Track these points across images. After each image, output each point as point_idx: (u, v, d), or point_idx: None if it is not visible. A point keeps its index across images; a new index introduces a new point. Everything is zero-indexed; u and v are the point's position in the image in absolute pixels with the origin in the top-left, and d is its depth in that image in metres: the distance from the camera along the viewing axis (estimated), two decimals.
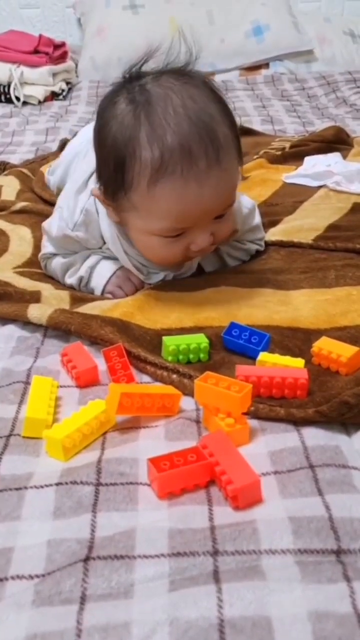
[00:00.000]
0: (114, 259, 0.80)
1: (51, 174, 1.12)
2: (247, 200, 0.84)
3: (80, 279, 0.81)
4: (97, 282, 0.80)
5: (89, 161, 0.81)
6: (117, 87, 0.70)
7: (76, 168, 0.88)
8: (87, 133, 1.01)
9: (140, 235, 0.72)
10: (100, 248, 0.81)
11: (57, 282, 0.84)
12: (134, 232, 0.73)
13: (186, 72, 0.69)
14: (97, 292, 0.80)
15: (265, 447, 0.51)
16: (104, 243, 0.80)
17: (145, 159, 0.65)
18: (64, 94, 1.97)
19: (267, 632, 0.36)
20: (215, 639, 0.36)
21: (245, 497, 0.45)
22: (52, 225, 0.81)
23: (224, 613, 0.37)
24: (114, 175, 0.68)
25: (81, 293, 0.81)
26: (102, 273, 0.80)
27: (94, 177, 0.78)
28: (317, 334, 0.67)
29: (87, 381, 0.61)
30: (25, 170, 1.24)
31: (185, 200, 0.66)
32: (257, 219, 0.86)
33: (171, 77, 0.68)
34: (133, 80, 0.69)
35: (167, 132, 0.65)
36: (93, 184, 0.78)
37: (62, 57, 2.01)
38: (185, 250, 0.72)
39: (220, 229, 0.72)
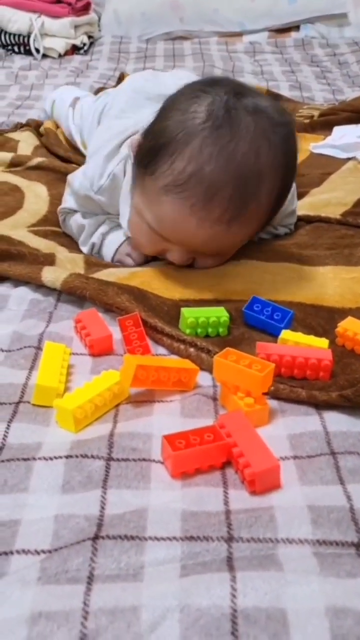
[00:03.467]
0: None
1: (74, 106, 1.08)
2: None
3: (93, 245, 0.79)
4: (108, 250, 0.78)
5: (124, 124, 0.77)
6: (216, 81, 0.66)
7: (110, 126, 0.84)
8: (132, 82, 0.96)
9: (135, 211, 0.71)
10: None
11: (71, 245, 0.82)
12: (134, 204, 0.71)
13: (282, 124, 0.64)
14: (107, 259, 0.78)
15: (285, 430, 0.49)
16: None
17: (175, 168, 0.63)
18: (86, 48, 1.90)
19: (281, 626, 0.35)
20: (227, 629, 0.34)
21: (263, 482, 0.43)
22: (76, 179, 0.79)
23: (237, 603, 0.36)
24: (147, 152, 0.66)
25: (96, 259, 0.78)
26: (113, 241, 0.78)
27: (127, 141, 0.74)
28: (341, 313, 0.65)
29: (100, 350, 0.59)
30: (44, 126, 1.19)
31: (179, 227, 0.65)
32: (295, 205, 0.82)
33: (265, 120, 0.62)
34: (231, 93, 0.63)
35: (211, 164, 0.61)
36: (126, 149, 0.74)
37: (85, 9, 1.94)
38: (162, 252, 0.71)
39: (205, 260, 0.71)
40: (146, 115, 0.71)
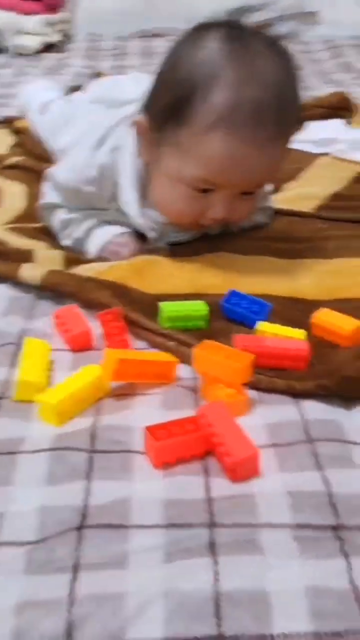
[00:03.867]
0: (115, 224, 0.78)
1: (42, 112, 1.08)
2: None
3: (76, 240, 0.78)
4: (94, 244, 0.77)
5: (101, 118, 0.77)
6: (209, 23, 0.68)
7: (85, 121, 0.84)
8: (91, 91, 0.97)
9: (166, 180, 0.70)
10: (106, 210, 0.78)
11: (50, 240, 0.81)
12: (161, 175, 0.71)
13: (276, 41, 0.67)
14: (92, 251, 0.77)
15: (264, 419, 0.50)
16: (114, 202, 0.76)
17: (217, 102, 0.63)
18: (60, 45, 1.89)
19: (263, 607, 0.36)
20: (211, 612, 0.35)
21: (244, 470, 0.44)
22: (60, 172, 0.78)
23: (221, 586, 0.37)
24: (174, 103, 0.66)
25: (75, 255, 0.78)
26: (100, 236, 0.77)
27: (114, 133, 0.74)
28: (317, 305, 0.66)
29: (80, 345, 0.59)
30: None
31: (232, 158, 0.65)
32: (269, 186, 0.84)
33: (264, 38, 0.66)
34: (227, 25, 0.66)
35: (249, 88, 0.63)
36: (114, 140, 0.75)
37: (59, 6, 1.93)
38: (200, 214, 0.70)
39: (241, 206, 0.71)
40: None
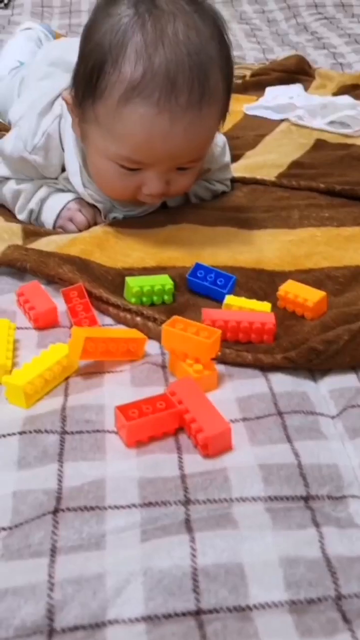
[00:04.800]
0: (67, 192, 0.76)
1: None
2: (219, 137, 0.80)
3: (31, 212, 0.76)
4: (48, 216, 0.76)
5: (54, 83, 0.74)
6: None
7: (37, 87, 0.81)
8: (48, 53, 0.93)
9: (97, 157, 0.68)
10: (56, 179, 0.76)
11: (7, 213, 0.79)
12: (92, 152, 0.68)
13: (201, 3, 0.63)
14: (48, 226, 0.76)
15: (233, 393, 0.51)
16: (62, 172, 0.74)
17: (125, 71, 0.60)
18: (5, 2, 1.80)
19: (240, 579, 0.37)
20: (190, 587, 0.36)
21: (216, 445, 0.45)
22: (7, 143, 0.75)
23: (197, 562, 0.37)
24: (89, 77, 0.63)
25: (34, 227, 0.76)
26: (53, 206, 0.76)
27: (59, 100, 0.72)
28: (281, 276, 0.66)
29: (46, 323, 0.58)
30: None
31: (151, 132, 0.62)
32: (228, 157, 0.82)
33: (185, 2, 0.62)
34: None
35: (160, 52, 0.59)
36: (58, 107, 0.72)
37: None
38: (135, 190, 0.68)
39: (179, 181, 0.68)
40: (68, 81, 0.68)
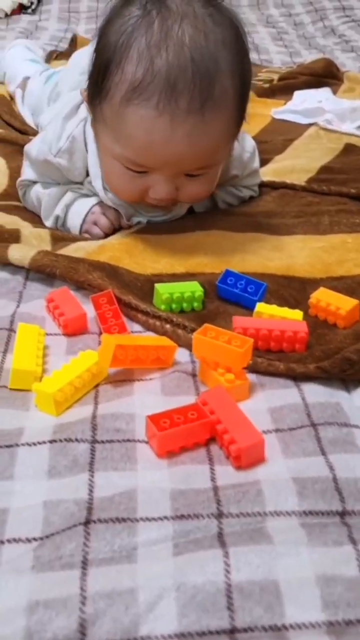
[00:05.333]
0: (92, 196, 0.76)
1: (23, 88, 1.04)
2: (249, 143, 0.79)
3: (57, 218, 0.76)
4: (74, 221, 0.76)
5: (77, 93, 0.74)
6: None
7: (62, 99, 0.82)
8: (80, 61, 0.94)
9: (106, 156, 0.68)
10: (82, 183, 0.76)
11: (36, 219, 0.79)
12: (102, 151, 0.68)
13: (218, 5, 0.62)
14: (74, 231, 0.76)
15: (266, 403, 0.50)
16: (87, 177, 0.74)
17: (127, 72, 0.60)
18: (33, 7, 1.82)
19: (275, 597, 0.36)
20: (224, 604, 0.35)
21: (249, 457, 0.44)
22: (33, 146, 0.75)
23: (231, 578, 0.36)
24: (96, 77, 0.63)
25: (62, 232, 0.76)
26: (79, 211, 0.75)
27: (84, 104, 0.72)
28: (312, 283, 0.65)
29: (75, 329, 0.58)
30: None
31: (152, 135, 0.60)
32: (257, 163, 0.81)
33: (200, 5, 0.60)
34: None
35: (161, 55, 0.58)
36: (83, 111, 0.72)
37: None
38: (143, 193, 0.67)
39: (190, 188, 0.67)
40: None
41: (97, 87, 0.63)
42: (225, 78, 0.61)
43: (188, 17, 0.59)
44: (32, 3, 1.81)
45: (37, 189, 0.78)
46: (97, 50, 0.64)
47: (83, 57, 0.95)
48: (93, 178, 0.73)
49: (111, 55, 0.61)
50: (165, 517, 0.40)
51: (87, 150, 0.73)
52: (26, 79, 1.07)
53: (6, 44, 1.50)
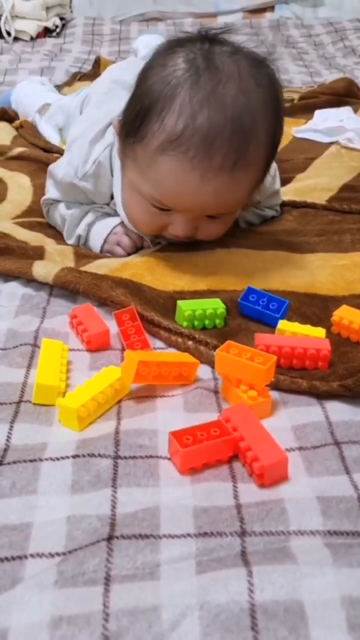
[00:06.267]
0: (115, 215, 0.77)
1: (42, 113, 1.07)
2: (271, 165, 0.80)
3: (79, 237, 0.77)
4: (95, 242, 0.77)
5: (106, 110, 0.76)
6: (187, 39, 0.65)
7: (90, 114, 0.83)
8: (110, 72, 0.96)
9: (130, 190, 0.69)
10: (108, 204, 0.77)
11: (59, 236, 0.80)
12: (126, 183, 0.69)
13: (262, 64, 0.63)
14: (95, 250, 0.76)
15: (289, 421, 0.50)
16: (111, 199, 0.75)
17: (166, 124, 0.61)
18: (58, 30, 1.86)
19: (299, 618, 0.35)
20: (247, 624, 0.35)
21: (272, 475, 0.43)
22: (59, 168, 0.77)
23: (255, 597, 0.36)
24: (134, 119, 0.64)
25: (85, 250, 0.77)
26: (100, 231, 0.76)
27: (110, 128, 0.73)
28: (334, 301, 0.65)
29: (98, 345, 0.58)
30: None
31: (181, 186, 0.62)
32: (278, 185, 0.82)
33: (245, 60, 0.62)
34: (206, 42, 0.63)
35: (204, 112, 0.60)
36: (110, 136, 0.73)
37: None
38: (162, 227, 0.69)
39: (208, 228, 0.69)
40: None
41: (134, 129, 0.64)
42: (259, 140, 0.63)
43: (233, 78, 0.61)
44: (56, 27, 1.86)
45: (60, 208, 0.79)
46: (139, 94, 0.65)
47: (113, 70, 0.97)
48: (117, 204, 0.74)
49: (153, 103, 0.62)
50: (188, 535, 0.40)
51: (112, 176, 0.74)
52: (46, 105, 1.09)
53: (33, 65, 1.54)
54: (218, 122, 0.60)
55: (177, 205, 0.65)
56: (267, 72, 0.64)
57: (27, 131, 1.09)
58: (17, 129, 1.12)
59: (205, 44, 0.63)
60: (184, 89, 0.60)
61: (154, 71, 0.63)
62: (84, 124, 0.81)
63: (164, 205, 0.66)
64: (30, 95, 1.16)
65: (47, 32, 1.84)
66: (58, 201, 0.79)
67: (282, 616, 0.35)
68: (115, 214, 0.76)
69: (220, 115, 0.60)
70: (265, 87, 0.63)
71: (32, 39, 1.79)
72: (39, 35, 1.82)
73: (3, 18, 1.77)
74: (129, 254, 0.74)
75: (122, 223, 0.76)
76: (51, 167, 0.79)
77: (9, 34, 1.78)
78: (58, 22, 1.87)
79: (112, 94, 0.84)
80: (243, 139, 0.61)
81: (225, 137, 0.60)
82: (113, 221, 0.76)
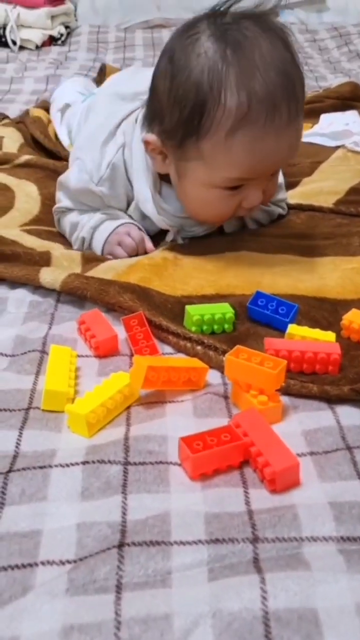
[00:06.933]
0: (125, 220, 0.76)
1: (63, 111, 1.08)
2: None
3: (83, 240, 0.77)
4: (97, 241, 0.76)
5: (107, 114, 0.76)
6: (195, 22, 0.66)
7: (99, 112, 0.83)
8: (111, 83, 0.96)
9: (197, 189, 0.69)
10: (127, 208, 0.77)
11: (66, 242, 0.80)
12: (190, 185, 0.69)
13: (267, 21, 0.65)
14: (98, 252, 0.76)
15: (299, 426, 0.49)
16: (127, 202, 0.75)
17: (230, 105, 0.62)
18: (63, 38, 1.87)
19: (314, 626, 0.35)
20: (261, 632, 0.34)
21: (284, 481, 0.43)
22: (71, 178, 0.77)
23: (268, 605, 0.36)
24: (188, 119, 0.64)
25: (92, 253, 0.77)
26: (102, 232, 0.76)
27: (121, 129, 0.73)
28: (344, 305, 0.65)
29: (106, 351, 0.58)
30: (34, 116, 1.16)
31: (261, 152, 0.64)
32: (281, 177, 0.82)
33: (253, 23, 0.64)
34: (217, 18, 0.65)
35: (256, 79, 0.62)
36: (121, 137, 0.73)
37: None
38: (237, 207, 0.71)
39: (270, 187, 0.71)
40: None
41: (193, 127, 0.64)
42: (300, 78, 0.66)
43: (258, 39, 0.63)
44: (62, 35, 1.87)
45: (72, 216, 0.78)
46: (181, 94, 0.64)
47: (113, 80, 0.98)
48: (142, 202, 0.74)
49: (205, 93, 0.63)
50: (200, 541, 0.39)
51: (128, 177, 0.74)
52: (67, 105, 1.10)
53: (38, 74, 1.54)
54: (271, 81, 0.62)
55: (256, 172, 0.67)
56: (270, 23, 0.66)
57: (36, 130, 1.09)
58: (21, 130, 1.12)
59: (211, 21, 0.65)
60: (228, 67, 0.62)
61: (181, 66, 0.64)
62: (87, 132, 0.81)
63: (240, 182, 0.67)
64: (65, 89, 1.18)
65: (52, 40, 1.85)
66: (70, 209, 0.79)
67: (296, 624, 0.35)
68: (132, 219, 0.76)
69: (269, 74, 0.62)
70: (280, 36, 0.65)
71: (37, 47, 1.80)
72: (44, 44, 1.82)
73: (8, 27, 1.78)
74: (130, 256, 0.74)
75: (125, 224, 0.75)
76: (61, 178, 0.79)
77: (14, 43, 1.79)
78: (63, 30, 1.88)
79: (110, 104, 0.85)
80: (292, 86, 0.64)
81: (282, 91, 0.63)
82: (116, 222, 0.76)
